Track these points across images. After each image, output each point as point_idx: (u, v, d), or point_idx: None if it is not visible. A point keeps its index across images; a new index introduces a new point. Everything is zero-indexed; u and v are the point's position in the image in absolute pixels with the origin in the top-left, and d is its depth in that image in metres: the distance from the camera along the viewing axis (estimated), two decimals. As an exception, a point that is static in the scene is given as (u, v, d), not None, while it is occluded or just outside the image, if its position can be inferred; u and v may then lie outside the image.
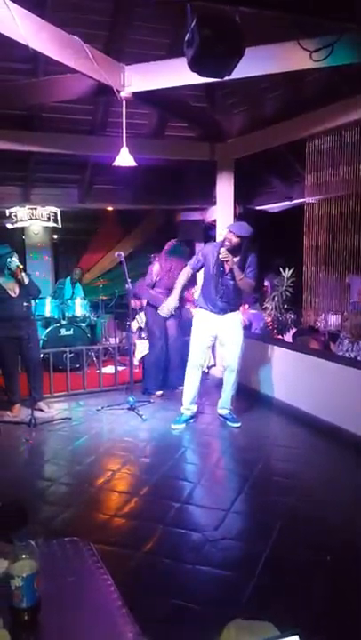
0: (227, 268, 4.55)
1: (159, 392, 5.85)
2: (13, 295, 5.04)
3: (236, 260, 4.51)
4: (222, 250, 4.48)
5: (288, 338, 6.42)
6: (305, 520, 3.25)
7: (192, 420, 4.96)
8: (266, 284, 8.29)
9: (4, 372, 5.29)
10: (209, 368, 6.26)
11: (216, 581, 2.67)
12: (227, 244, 4.50)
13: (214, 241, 4.93)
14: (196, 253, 4.81)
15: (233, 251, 4.50)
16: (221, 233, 6.55)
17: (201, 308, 4.79)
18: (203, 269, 4.77)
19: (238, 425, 4.83)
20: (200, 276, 5.08)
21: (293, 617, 2.24)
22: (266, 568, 2.73)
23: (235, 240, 4.47)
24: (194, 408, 4.97)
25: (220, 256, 4.49)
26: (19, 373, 5.25)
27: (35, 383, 5.26)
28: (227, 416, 4.91)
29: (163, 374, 5.89)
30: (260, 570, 2.71)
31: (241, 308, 5.10)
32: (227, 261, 4.49)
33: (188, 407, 4.93)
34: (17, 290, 5.05)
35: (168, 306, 5.10)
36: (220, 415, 4.96)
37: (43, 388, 5.39)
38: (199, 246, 8.19)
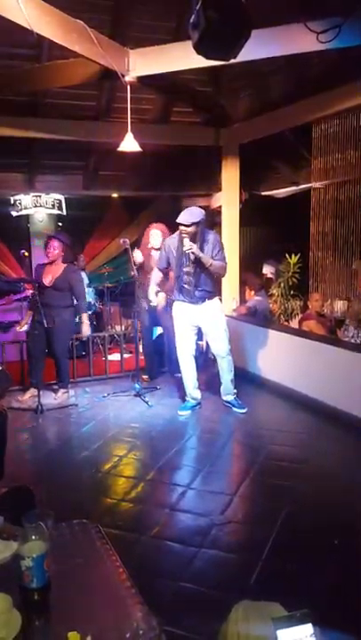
0: (192, 257, 4.49)
1: (145, 376, 5.88)
2: (47, 284, 5.16)
3: (197, 245, 4.44)
4: (185, 241, 4.43)
5: (294, 324, 6.41)
6: (311, 504, 3.26)
7: (198, 407, 4.98)
8: (265, 271, 8.25)
9: (28, 356, 5.40)
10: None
11: (223, 565, 2.69)
12: (183, 236, 4.45)
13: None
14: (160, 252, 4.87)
15: (192, 238, 4.45)
16: (228, 218, 6.54)
17: (178, 300, 4.77)
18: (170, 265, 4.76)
19: (244, 411, 4.84)
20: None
21: (299, 601, 2.25)
22: (273, 552, 2.74)
23: (188, 230, 4.42)
24: (197, 394, 4.98)
25: (185, 248, 4.43)
26: (43, 361, 5.29)
27: (57, 371, 5.41)
28: (232, 402, 4.92)
29: (157, 361, 5.98)
30: (267, 553, 2.73)
31: (217, 297, 5.00)
32: (192, 251, 4.44)
33: (191, 394, 4.95)
34: (50, 279, 5.18)
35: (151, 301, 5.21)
36: (226, 402, 4.97)
37: (65, 377, 5.46)
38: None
